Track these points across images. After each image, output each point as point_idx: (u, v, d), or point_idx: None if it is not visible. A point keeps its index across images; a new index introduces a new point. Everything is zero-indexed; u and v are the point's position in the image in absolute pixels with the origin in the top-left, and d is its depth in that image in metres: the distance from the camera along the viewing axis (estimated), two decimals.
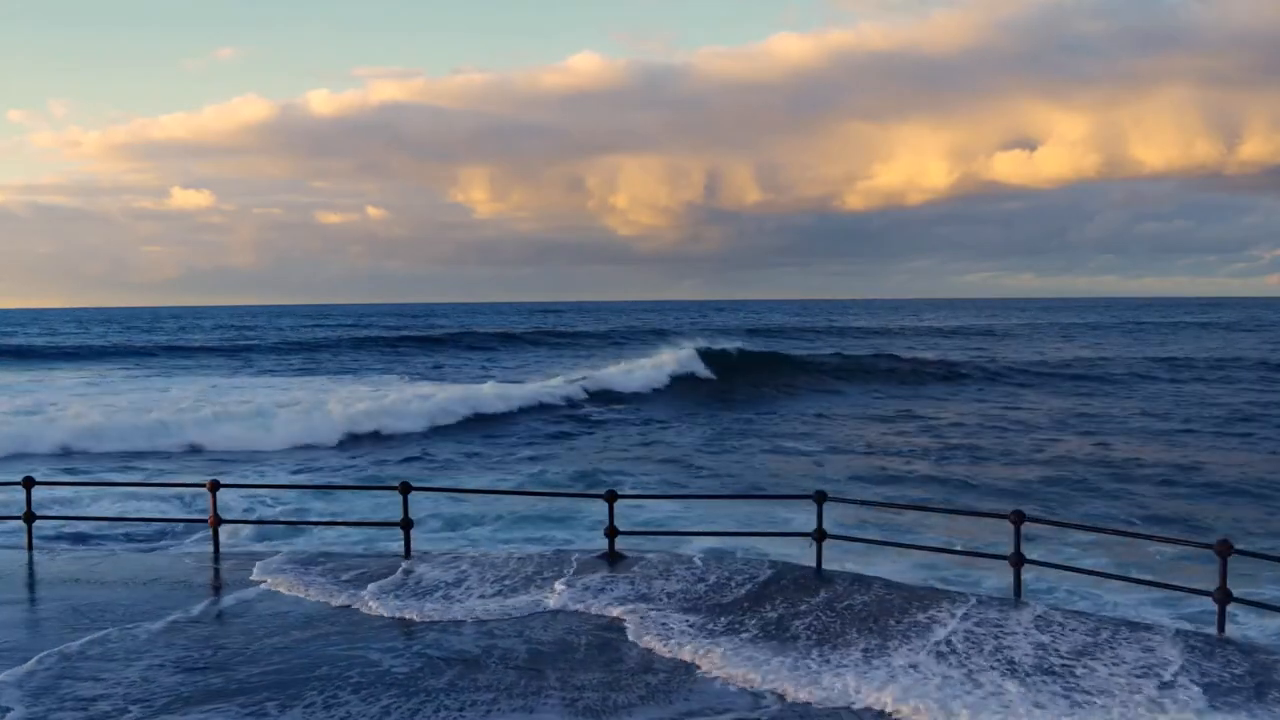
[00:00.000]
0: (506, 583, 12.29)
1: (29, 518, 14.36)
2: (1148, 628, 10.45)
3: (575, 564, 12.96)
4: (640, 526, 16.87)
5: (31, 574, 13.13)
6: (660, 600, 11.47)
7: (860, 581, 12.12)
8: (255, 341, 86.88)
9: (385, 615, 11.18)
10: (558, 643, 10.18)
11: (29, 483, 14.41)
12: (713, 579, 12.23)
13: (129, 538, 17.72)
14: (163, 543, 17.37)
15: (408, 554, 13.58)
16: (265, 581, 12.47)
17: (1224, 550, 9.94)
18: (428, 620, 10.99)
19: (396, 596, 11.80)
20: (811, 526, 12.90)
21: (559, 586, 11.96)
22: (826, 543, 12.72)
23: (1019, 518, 11.32)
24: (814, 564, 12.64)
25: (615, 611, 11.08)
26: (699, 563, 13.04)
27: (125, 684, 8.97)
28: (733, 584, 12.06)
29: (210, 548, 14.18)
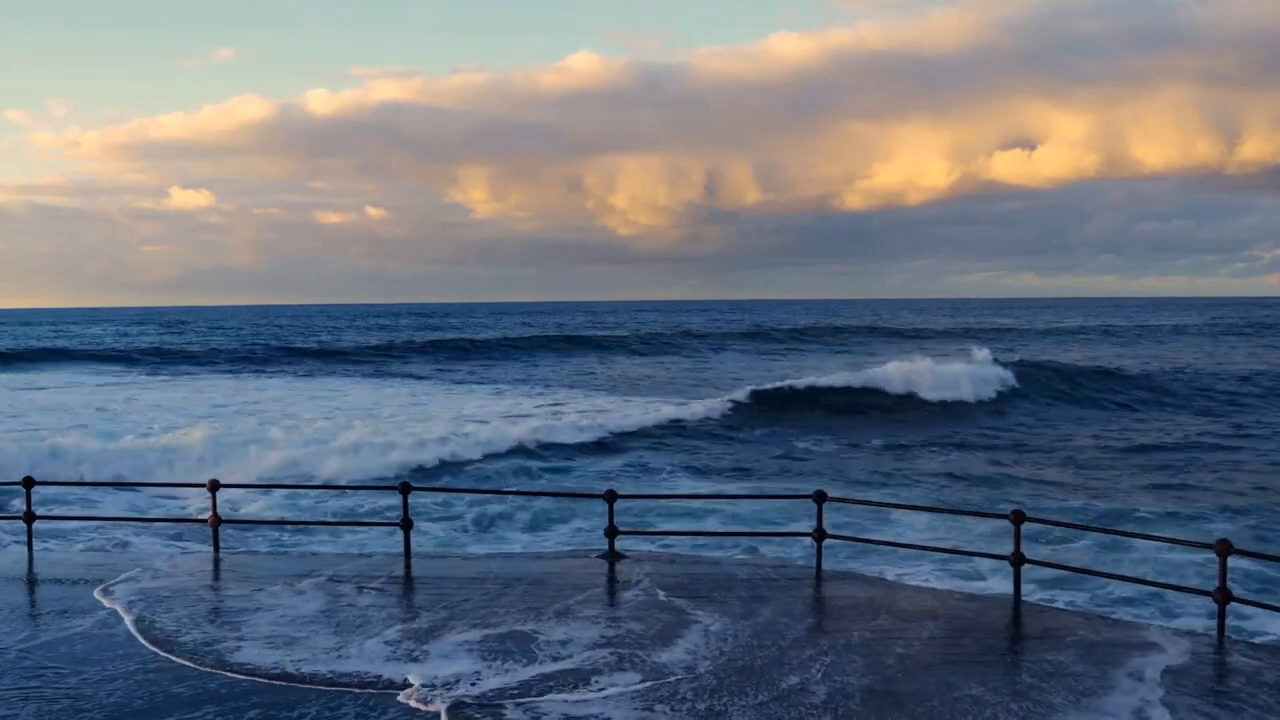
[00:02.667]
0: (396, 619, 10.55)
1: (29, 518, 14.36)
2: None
3: (543, 587, 11.71)
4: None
5: (32, 571, 13.12)
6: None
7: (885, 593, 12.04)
8: (396, 339, 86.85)
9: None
10: None
11: (28, 483, 14.41)
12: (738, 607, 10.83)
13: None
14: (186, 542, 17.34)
15: (407, 556, 13.55)
16: (109, 604, 11.25)
17: (1224, 550, 9.93)
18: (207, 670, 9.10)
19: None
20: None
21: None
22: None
23: (1019, 518, 11.31)
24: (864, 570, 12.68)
25: None
26: (697, 576, 12.82)
27: None
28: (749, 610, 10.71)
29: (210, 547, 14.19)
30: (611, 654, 9.44)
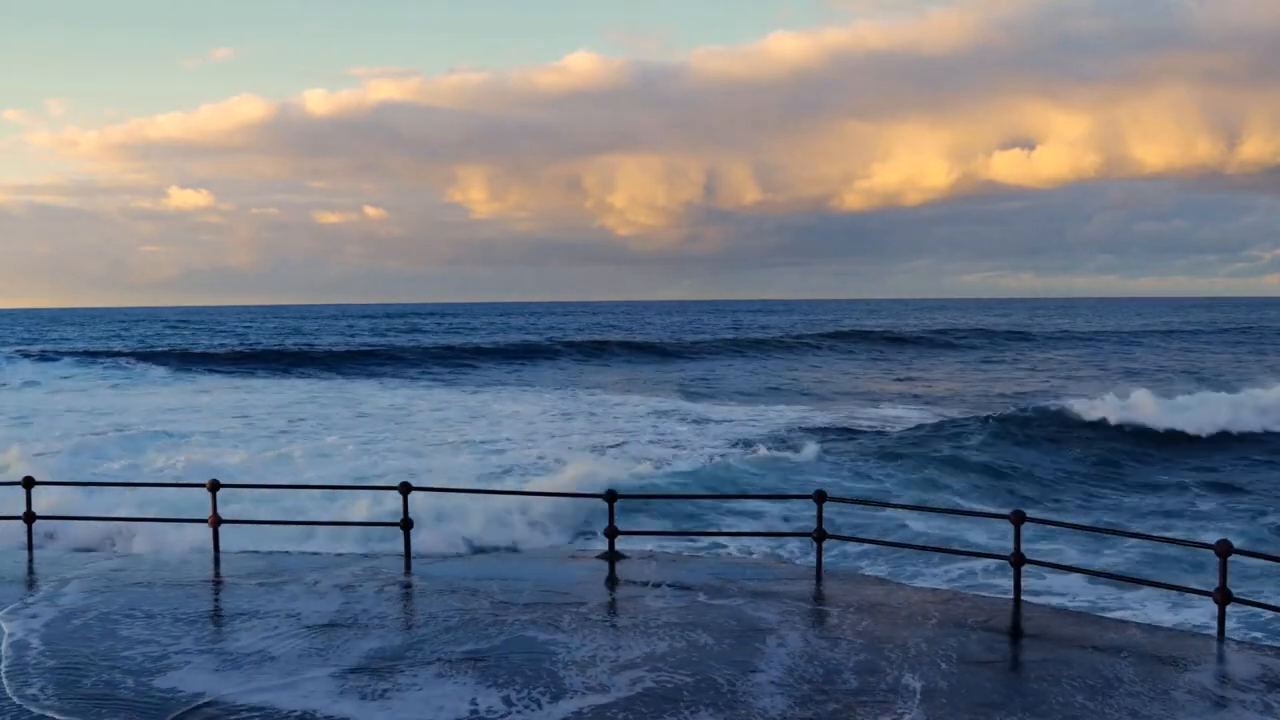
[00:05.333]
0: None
1: (29, 518, 14.35)
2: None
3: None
4: None
5: (32, 571, 13.10)
6: None
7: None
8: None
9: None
10: None
11: (29, 483, 14.40)
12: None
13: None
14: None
15: (407, 557, 13.53)
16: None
17: (1224, 550, 9.93)
18: None
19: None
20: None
21: None
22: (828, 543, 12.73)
23: (1019, 517, 11.31)
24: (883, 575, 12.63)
25: None
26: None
27: None
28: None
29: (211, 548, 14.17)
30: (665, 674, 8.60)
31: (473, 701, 8.03)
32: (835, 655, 9.26)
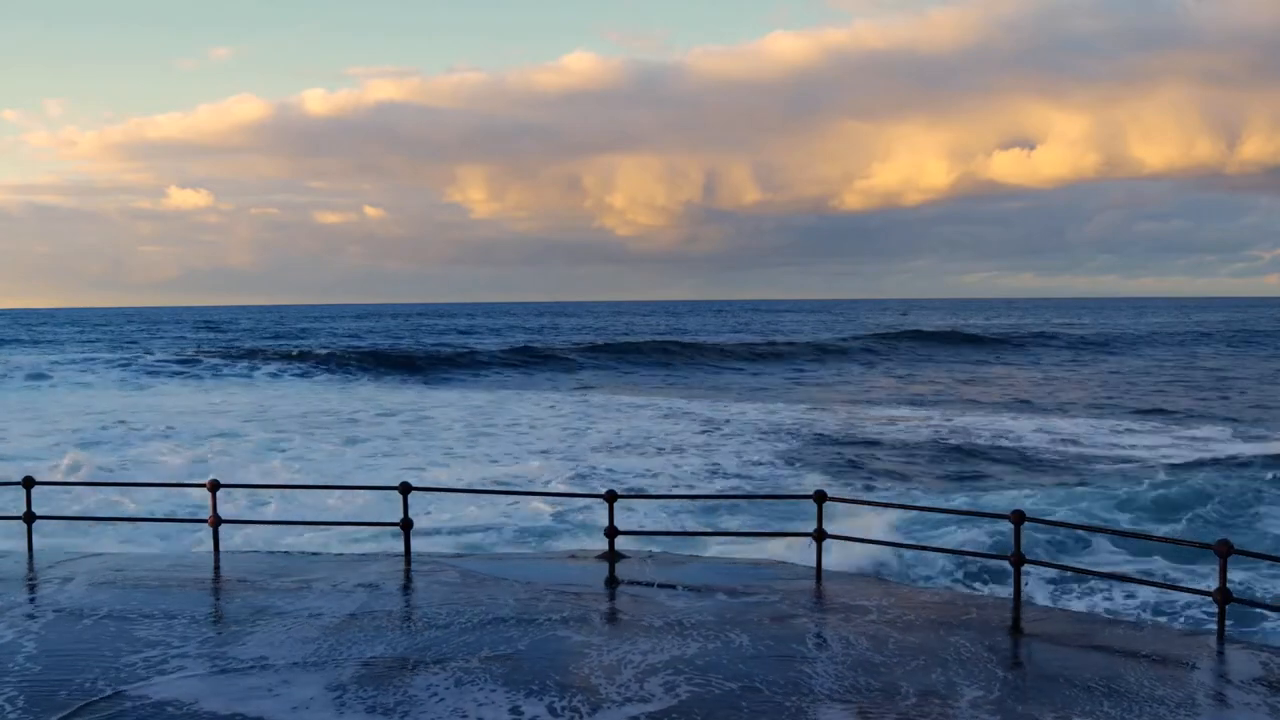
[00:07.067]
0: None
1: (29, 518, 14.34)
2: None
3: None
4: None
5: (31, 571, 13.10)
6: None
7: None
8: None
9: None
10: None
11: (29, 483, 14.39)
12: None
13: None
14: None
15: (407, 557, 13.53)
16: None
17: (1224, 550, 9.93)
18: None
19: None
20: None
21: None
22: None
23: (1019, 517, 11.31)
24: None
25: None
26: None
27: None
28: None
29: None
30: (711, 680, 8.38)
31: (514, 710, 7.81)
32: (880, 659, 9.15)
